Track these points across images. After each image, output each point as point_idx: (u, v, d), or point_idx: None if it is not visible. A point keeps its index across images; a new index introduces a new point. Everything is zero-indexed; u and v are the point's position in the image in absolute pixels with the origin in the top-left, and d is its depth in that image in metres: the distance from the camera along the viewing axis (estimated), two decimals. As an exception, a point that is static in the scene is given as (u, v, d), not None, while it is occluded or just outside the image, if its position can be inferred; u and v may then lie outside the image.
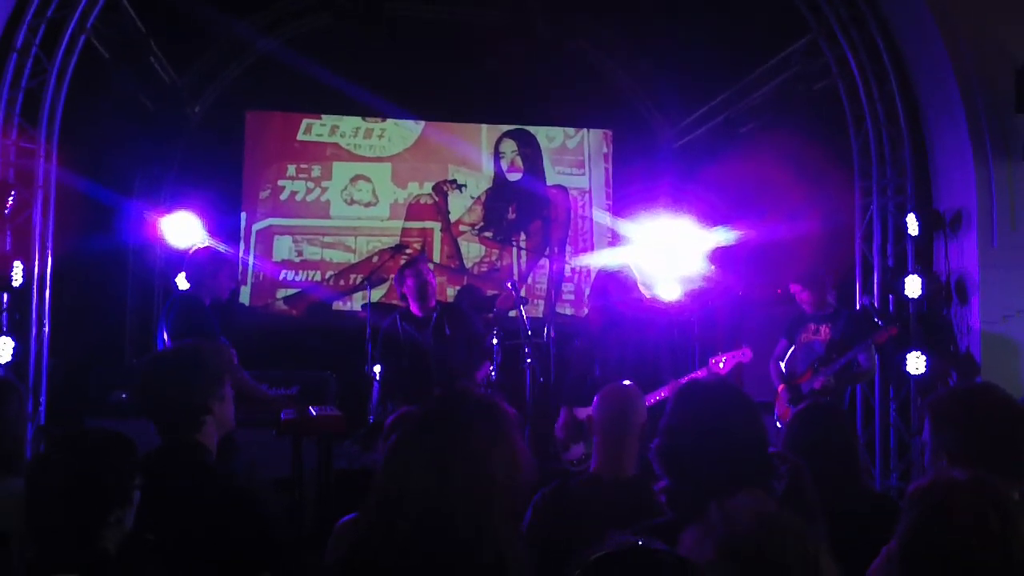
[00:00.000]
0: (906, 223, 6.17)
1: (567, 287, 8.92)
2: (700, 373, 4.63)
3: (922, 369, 5.92)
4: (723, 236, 6.85)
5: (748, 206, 7.32)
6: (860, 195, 6.55)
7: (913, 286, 6.06)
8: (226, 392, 2.37)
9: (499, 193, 9.00)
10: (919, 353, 5.93)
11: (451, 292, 8.47)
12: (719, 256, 7.06)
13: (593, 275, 8.67)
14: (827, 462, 2.57)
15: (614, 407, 2.96)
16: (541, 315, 8.47)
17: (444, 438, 1.65)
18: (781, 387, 5.39)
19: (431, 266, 5.27)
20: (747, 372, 5.96)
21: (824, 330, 5.30)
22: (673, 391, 2.30)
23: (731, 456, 1.98)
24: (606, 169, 9.13)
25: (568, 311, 8.79)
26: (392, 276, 8.32)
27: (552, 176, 9.09)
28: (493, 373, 5.81)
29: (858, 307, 6.33)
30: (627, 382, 3.14)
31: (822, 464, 2.47)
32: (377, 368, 6.54)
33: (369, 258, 8.52)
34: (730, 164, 7.57)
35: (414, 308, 5.13)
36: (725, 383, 2.26)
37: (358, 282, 8.30)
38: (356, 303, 8.35)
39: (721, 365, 4.59)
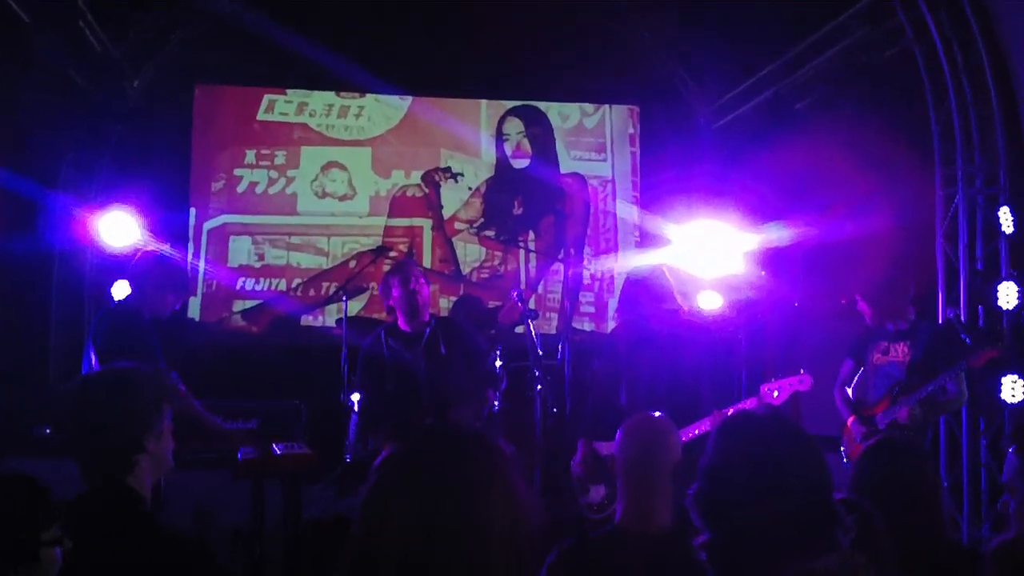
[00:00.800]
0: (998, 218, 6.18)
1: (585, 297, 8.94)
2: (749, 403, 4.65)
3: (1020, 396, 5.91)
4: (775, 235, 6.86)
5: (804, 198, 7.36)
6: (942, 185, 6.56)
7: (1008, 294, 6.05)
8: (164, 426, 2.36)
9: (502, 183, 9.02)
10: (1016, 377, 5.91)
11: (445, 304, 8.49)
12: (770, 259, 7.07)
13: (618, 283, 8.91)
14: (904, 510, 2.59)
15: (642, 444, 2.98)
16: (554, 331, 8.50)
17: (430, 483, 1.65)
18: (851, 419, 5.38)
19: (421, 271, 5.26)
20: (805, 400, 5.98)
21: (901, 349, 5.31)
22: (716, 425, 2.34)
23: (788, 504, 1.99)
24: (632, 154, 9.18)
25: (587, 326, 8.86)
26: (373, 285, 8.46)
27: (567, 162, 9.11)
28: (496, 403, 5.87)
29: (941, 321, 6.31)
30: (658, 413, 3.18)
31: (899, 512, 2.49)
32: (356, 396, 6.60)
33: (345, 263, 8.57)
34: (782, 148, 7.58)
35: (402, 323, 5.16)
36: (779, 416, 2.28)
37: (332, 292, 8.31)
38: (330, 318, 8.39)
39: (775, 394, 4.58)
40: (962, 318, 6.25)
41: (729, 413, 2.79)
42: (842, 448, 5.41)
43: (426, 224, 8.82)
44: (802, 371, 4.66)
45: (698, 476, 2.13)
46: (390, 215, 8.75)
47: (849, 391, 5.49)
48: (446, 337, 5.17)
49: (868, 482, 2.74)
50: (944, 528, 2.82)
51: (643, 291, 4.85)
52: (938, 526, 2.76)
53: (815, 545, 1.85)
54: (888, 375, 5.30)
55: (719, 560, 2.03)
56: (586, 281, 8.91)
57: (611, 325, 8.61)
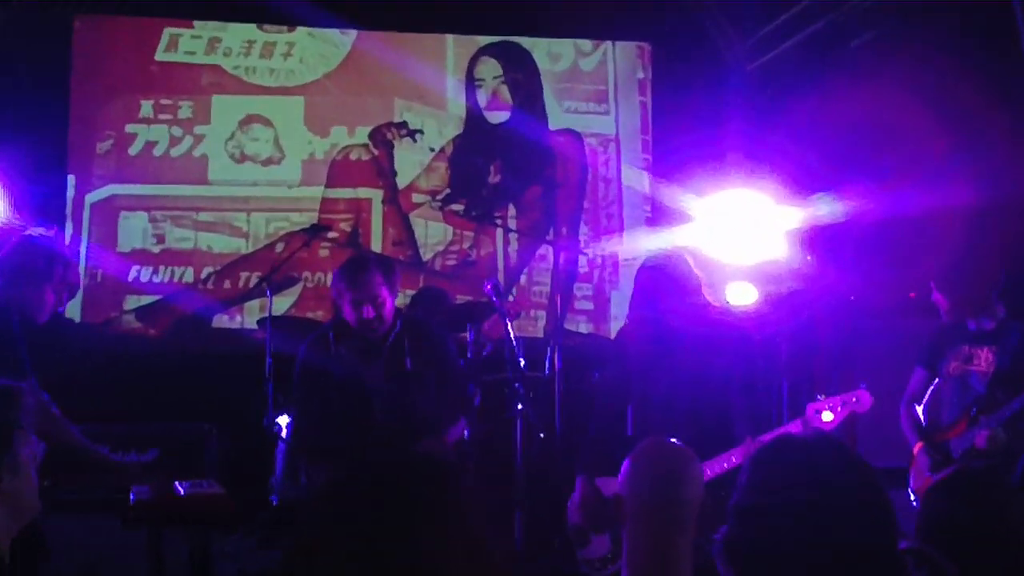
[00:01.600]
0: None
1: (582, 290, 8.93)
2: (793, 426, 4.67)
3: None
4: (825, 209, 6.91)
5: (862, 162, 7.39)
6: None
7: None
8: (21, 459, 2.34)
9: (474, 143, 8.98)
10: None
11: (400, 301, 8.39)
12: (819, 241, 7.11)
13: (624, 272, 8.89)
14: (985, 561, 2.60)
15: (655, 479, 2.99)
16: (541, 334, 8.47)
17: (369, 536, 1.65)
18: (919, 446, 5.44)
19: (383, 279, 5.18)
20: (864, 423, 6.01)
21: (985, 356, 5.33)
22: (750, 454, 2.34)
23: (840, 554, 2.01)
24: (642, 104, 9.14)
25: (584, 327, 8.86)
26: (307, 275, 8.46)
27: (558, 116, 9.05)
28: (466, 429, 5.89)
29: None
30: (674, 440, 3.20)
31: (978, 565, 2.51)
32: (284, 419, 6.58)
33: (270, 246, 8.57)
34: (834, 98, 7.56)
35: (353, 322, 5.19)
36: (830, 441, 2.28)
37: (253, 285, 8.30)
38: (250, 317, 8.38)
39: (826, 416, 4.61)
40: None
41: (766, 440, 2.82)
42: (910, 484, 5.45)
43: (375, 196, 8.81)
44: (861, 386, 4.67)
45: (727, 517, 2.15)
46: (328, 184, 8.75)
47: (919, 409, 5.54)
48: (415, 345, 5.21)
49: (938, 526, 2.76)
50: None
51: (661, 281, 4.84)
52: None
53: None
54: (967, 388, 5.33)
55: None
56: (582, 269, 8.90)
57: (615, 326, 8.60)
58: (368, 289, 5.08)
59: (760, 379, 5.82)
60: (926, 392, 5.53)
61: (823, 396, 4.67)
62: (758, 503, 2.11)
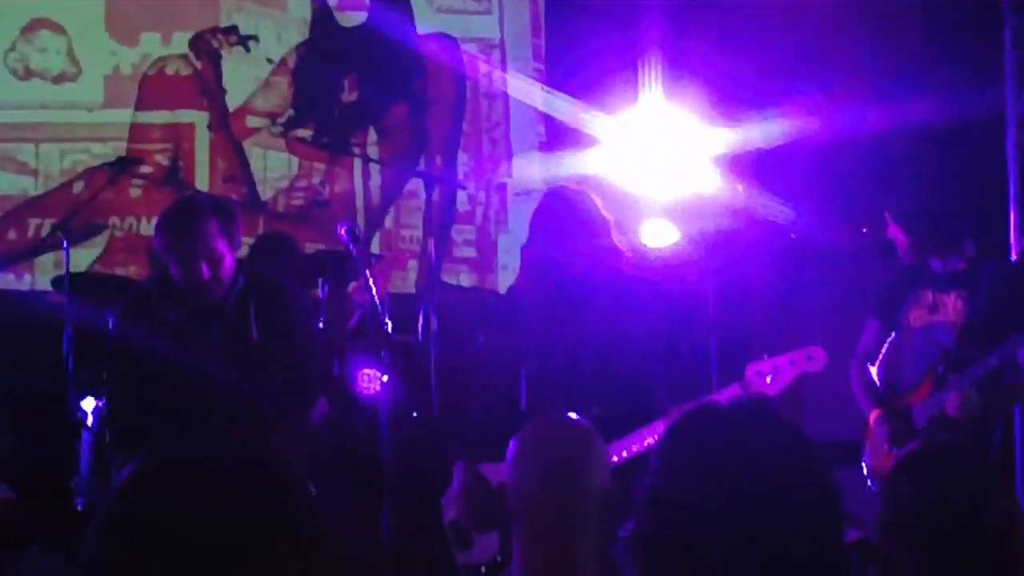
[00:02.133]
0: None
1: (462, 233, 8.97)
2: (729, 392, 4.70)
3: None
4: (760, 130, 7.01)
5: (806, 75, 7.47)
6: (1015, 44, 6.68)
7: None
8: None
9: (323, 52, 8.96)
10: None
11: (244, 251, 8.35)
12: (753, 168, 7.24)
13: (516, 209, 8.83)
14: (960, 554, 2.61)
15: (546, 466, 3.05)
16: (412, 289, 8.56)
17: (179, 542, 1.67)
18: (875, 414, 5.46)
19: (219, 225, 5.10)
20: (810, 387, 6.08)
21: (954, 302, 5.36)
22: (664, 431, 2.37)
23: (772, 549, 2.02)
24: (533, 1, 9.12)
25: (465, 279, 8.93)
26: (114, 221, 8.47)
27: (428, 16, 9.03)
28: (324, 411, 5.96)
29: (1015, 258, 6.50)
30: (574, 417, 3.31)
31: (951, 559, 2.54)
32: (90, 404, 6.49)
33: (66, 186, 8.49)
34: None
35: (183, 282, 5.13)
36: (761, 412, 2.28)
37: (46, 234, 8.18)
38: (43, 276, 8.29)
39: (769, 379, 4.65)
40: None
41: (688, 411, 2.83)
42: (863, 460, 5.53)
43: (200, 120, 8.76)
44: (814, 343, 4.72)
45: (635, 510, 2.15)
46: (139, 107, 8.66)
47: (873, 370, 5.59)
48: (262, 309, 5.16)
49: (901, 515, 2.74)
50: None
51: (562, 220, 4.84)
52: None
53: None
54: (932, 342, 5.37)
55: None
56: (462, 207, 8.93)
57: (504, 278, 8.68)
58: (201, 242, 4.98)
59: (684, 338, 5.86)
60: (881, 348, 5.59)
61: (766, 356, 4.72)
62: (670, 490, 2.11)
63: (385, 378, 6.12)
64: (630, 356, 4.75)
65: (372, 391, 6.48)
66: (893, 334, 5.58)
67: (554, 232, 4.84)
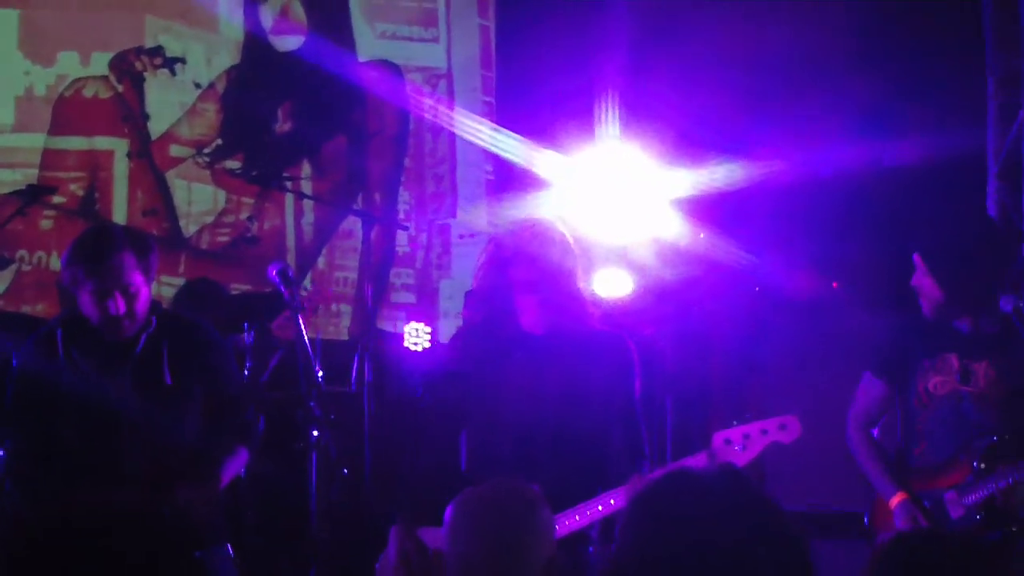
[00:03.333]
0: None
1: (400, 277, 9.06)
2: (694, 461, 4.64)
3: None
4: (721, 173, 7.11)
5: (772, 115, 7.60)
6: (996, 93, 6.92)
7: None
8: None
9: (255, 78, 9.00)
10: None
11: (163, 291, 8.06)
12: (713, 212, 7.29)
13: (459, 252, 8.99)
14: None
15: (483, 535, 3.09)
16: (346, 335, 8.71)
17: None
18: (899, 498, 5.14)
19: (136, 260, 5.05)
20: (774, 452, 6.00)
21: (985, 372, 5.14)
22: (630, 500, 2.46)
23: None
24: (483, 29, 9.32)
25: (404, 326, 8.74)
26: (22, 254, 8.45)
27: (370, 43, 9.16)
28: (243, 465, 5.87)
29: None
30: (516, 481, 3.40)
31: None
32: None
33: (-30, 214, 8.41)
34: (737, 30, 7.83)
35: (95, 317, 5.06)
36: (735, 480, 2.38)
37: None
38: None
39: (739, 448, 4.62)
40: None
41: (653, 480, 2.89)
42: (876, 540, 5.24)
43: (119, 147, 8.80)
44: (789, 414, 4.67)
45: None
46: (53, 131, 8.73)
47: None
48: (176, 351, 5.14)
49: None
50: None
51: (520, 262, 4.79)
52: None
53: None
54: (959, 416, 5.13)
55: None
56: (402, 250, 9.01)
57: (447, 325, 8.79)
58: (116, 274, 4.94)
59: (642, 396, 5.75)
60: (884, 412, 5.36)
61: (735, 423, 4.70)
62: (636, 560, 2.21)
63: (316, 433, 6.25)
64: (589, 417, 4.77)
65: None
66: (912, 398, 5.29)
67: (505, 276, 4.84)
